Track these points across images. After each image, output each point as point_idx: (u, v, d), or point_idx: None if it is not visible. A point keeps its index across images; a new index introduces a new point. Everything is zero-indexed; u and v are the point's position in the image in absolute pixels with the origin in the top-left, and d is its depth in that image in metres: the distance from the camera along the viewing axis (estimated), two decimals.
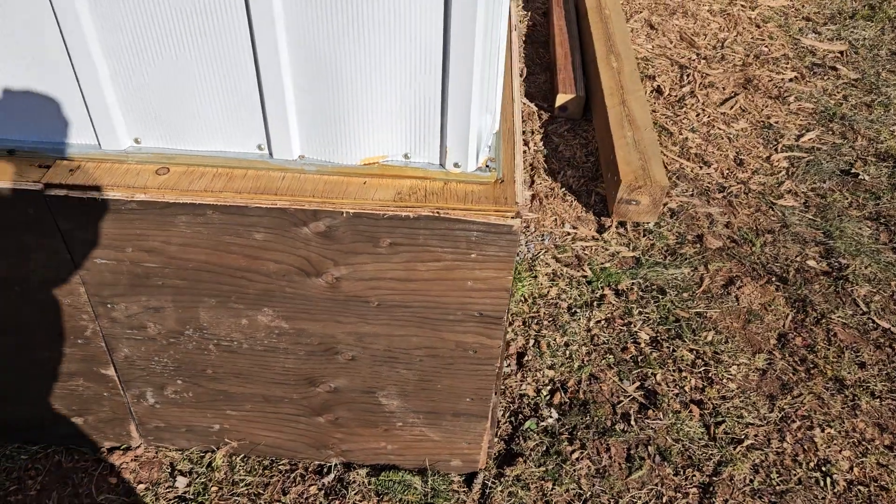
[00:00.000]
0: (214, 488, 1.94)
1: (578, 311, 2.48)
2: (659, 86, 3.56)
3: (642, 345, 2.39)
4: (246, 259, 1.52)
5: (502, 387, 2.25)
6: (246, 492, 1.93)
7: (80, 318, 1.66)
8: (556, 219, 2.85)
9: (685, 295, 2.56)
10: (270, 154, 1.47)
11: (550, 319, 2.46)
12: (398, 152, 1.46)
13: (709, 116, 3.39)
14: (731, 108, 3.45)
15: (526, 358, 2.33)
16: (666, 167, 3.07)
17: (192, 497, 1.92)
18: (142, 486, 1.94)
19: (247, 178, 1.46)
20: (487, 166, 1.47)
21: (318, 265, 1.51)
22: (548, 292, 2.55)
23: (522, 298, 2.51)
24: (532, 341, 2.38)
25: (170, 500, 1.92)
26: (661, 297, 2.54)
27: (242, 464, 1.99)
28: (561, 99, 3.24)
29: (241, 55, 1.33)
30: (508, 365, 2.32)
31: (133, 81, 1.39)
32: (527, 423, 2.15)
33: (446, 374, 1.72)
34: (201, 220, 1.45)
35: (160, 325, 1.67)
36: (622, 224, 2.82)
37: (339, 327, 1.63)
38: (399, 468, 1.99)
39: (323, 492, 1.95)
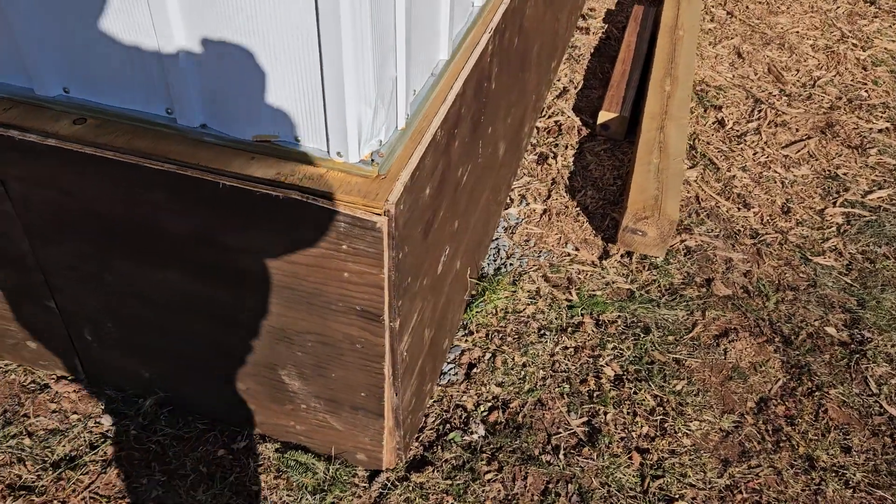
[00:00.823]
0: (133, 432, 2.04)
1: (548, 334, 2.39)
2: (723, 118, 3.33)
3: (604, 380, 2.26)
4: (146, 218, 1.58)
5: (441, 393, 2.20)
6: (160, 441, 2.02)
7: (20, 248, 1.80)
8: (560, 237, 2.75)
9: (670, 338, 2.39)
10: (176, 119, 1.52)
11: (516, 337, 2.38)
12: (290, 134, 1.47)
13: (767, 157, 3.14)
14: (797, 151, 3.17)
15: (475, 370, 2.27)
16: (698, 202, 2.88)
17: (111, 436, 2.03)
18: (74, 417, 2.08)
19: (149, 138, 1.52)
20: (372, 160, 1.45)
21: (209, 233, 1.55)
22: (524, 309, 2.47)
23: (493, 311, 2.44)
24: (489, 355, 2.32)
25: (94, 434, 2.04)
26: (643, 335, 2.39)
27: (167, 415, 2.07)
28: (603, 116, 3.11)
29: (142, 24, 1.38)
30: (456, 373, 2.27)
31: (62, 38, 1.48)
32: (451, 434, 2.10)
33: (338, 364, 1.72)
34: (105, 173, 1.53)
35: (85, 266, 1.77)
36: (629, 254, 2.67)
37: (234, 298, 1.67)
38: (308, 450, 2.01)
39: (229, 457, 2.00)
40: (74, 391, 2.13)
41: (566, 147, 3.13)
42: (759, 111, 3.39)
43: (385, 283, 1.49)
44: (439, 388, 2.22)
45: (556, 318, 2.44)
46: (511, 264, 2.62)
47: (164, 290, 1.73)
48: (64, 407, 2.10)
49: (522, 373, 2.28)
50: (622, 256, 2.68)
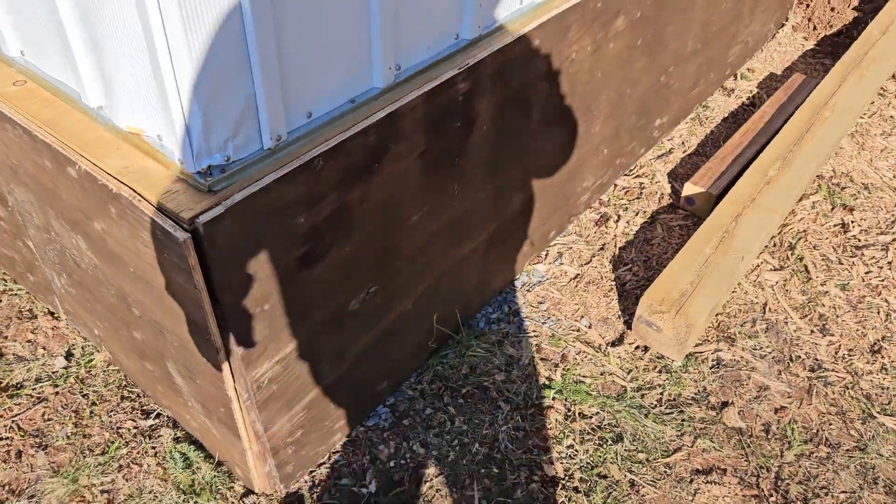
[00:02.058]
0: (72, 380, 2.17)
1: (505, 408, 2.15)
2: (850, 222, 2.76)
3: (537, 479, 1.98)
4: (52, 185, 1.66)
5: (362, 435, 2.07)
6: (89, 395, 2.13)
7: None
8: (579, 309, 2.46)
9: (640, 455, 2.04)
10: (82, 97, 1.58)
11: (469, 400, 2.17)
12: (154, 131, 1.45)
13: (883, 280, 2.55)
14: None
15: (406, 421, 2.10)
16: (764, 311, 2.42)
17: (55, 378, 2.18)
18: (41, 351, 2.26)
19: (57, 109, 1.59)
20: (210, 173, 1.38)
21: (84, 211, 1.59)
22: (494, 374, 2.24)
23: (458, 366, 2.25)
24: (430, 410, 2.14)
25: (45, 371, 2.20)
26: (611, 442, 2.06)
27: (109, 374, 2.18)
28: (689, 189, 2.73)
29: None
30: (387, 419, 2.12)
31: (13, 6, 1.61)
32: (343, 480, 1.97)
33: (199, 373, 1.68)
34: (19, 135, 1.63)
35: (36, 219, 1.91)
36: (645, 348, 2.32)
37: (120, 279, 1.70)
38: (204, 449, 2.00)
39: (134, 430, 2.05)
40: (53, 328, 2.32)
41: (637, 213, 2.79)
42: None
43: (203, 301, 1.42)
44: (364, 428, 2.10)
45: (524, 394, 2.19)
46: (508, 323, 2.40)
47: (85, 256, 1.82)
48: (38, 339, 2.29)
49: (456, 441, 2.07)
50: (636, 349, 2.33)
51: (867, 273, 2.58)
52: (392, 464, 2.02)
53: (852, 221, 2.78)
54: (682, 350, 2.22)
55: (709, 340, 2.35)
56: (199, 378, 1.70)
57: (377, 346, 1.99)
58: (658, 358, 2.29)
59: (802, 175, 2.64)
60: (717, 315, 2.41)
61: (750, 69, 3.57)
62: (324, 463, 2.02)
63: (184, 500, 1.89)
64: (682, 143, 3.12)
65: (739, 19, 3.21)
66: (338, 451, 2.05)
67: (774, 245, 2.67)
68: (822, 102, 2.96)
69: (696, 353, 2.31)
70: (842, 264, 2.61)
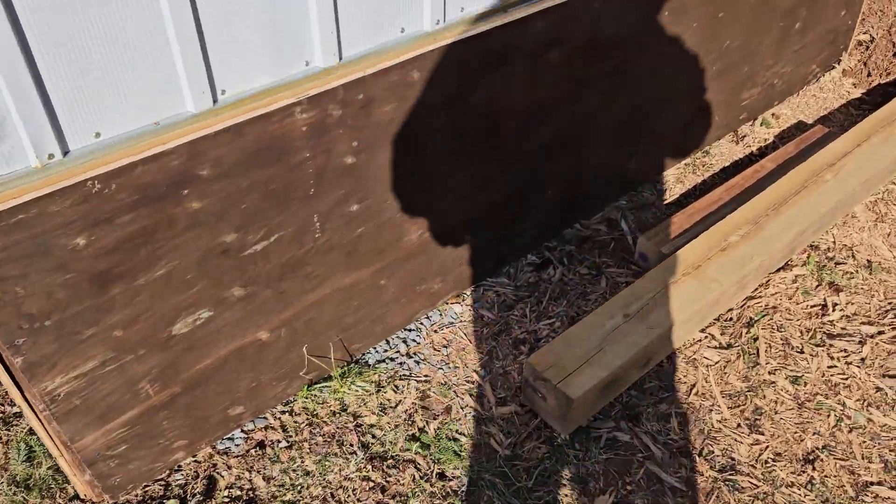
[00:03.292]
0: None
1: (360, 455, 2.03)
2: (833, 303, 2.40)
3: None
4: None
5: (207, 456, 2.02)
6: None
7: None
8: (483, 358, 2.28)
9: None
10: None
11: (329, 439, 2.06)
12: None
13: (846, 378, 2.19)
14: (890, 392, 2.16)
15: (256, 452, 2.03)
16: (689, 394, 2.15)
17: None
18: None
19: None
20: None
21: None
22: (364, 416, 2.12)
23: (328, 401, 2.15)
24: (284, 444, 2.05)
25: None
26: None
27: None
28: (642, 245, 2.47)
29: None
30: (238, 445, 2.06)
31: None
32: (170, 501, 1.92)
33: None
34: None
35: None
36: (533, 413, 2.12)
37: None
38: None
39: (0, 415, 2.11)
40: None
41: (583, 262, 2.56)
42: (891, 324, 2.36)
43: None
44: (213, 451, 2.04)
45: (388, 444, 2.06)
46: (401, 363, 2.27)
47: None
48: None
49: (299, 481, 1.98)
50: (527, 412, 2.13)
51: (830, 367, 2.23)
52: (226, 493, 1.95)
53: (836, 304, 2.41)
54: (566, 424, 2.00)
55: (610, 417, 2.11)
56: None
57: (223, 372, 1.93)
58: (545, 427, 2.09)
59: (771, 245, 2.31)
60: (629, 389, 2.17)
61: (775, 114, 3.19)
62: (162, 479, 1.98)
63: (13, 493, 1.92)
64: (665, 190, 2.84)
65: (754, 58, 2.87)
66: (181, 470, 2.01)
67: (729, 320, 2.36)
68: (828, 163, 2.59)
69: (591, 428, 2.09)
70: (802, 353, 2.27)
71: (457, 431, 2.09)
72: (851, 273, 2.51)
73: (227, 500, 1.94)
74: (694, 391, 2.17)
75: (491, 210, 2.31)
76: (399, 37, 1.83)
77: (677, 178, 2.89)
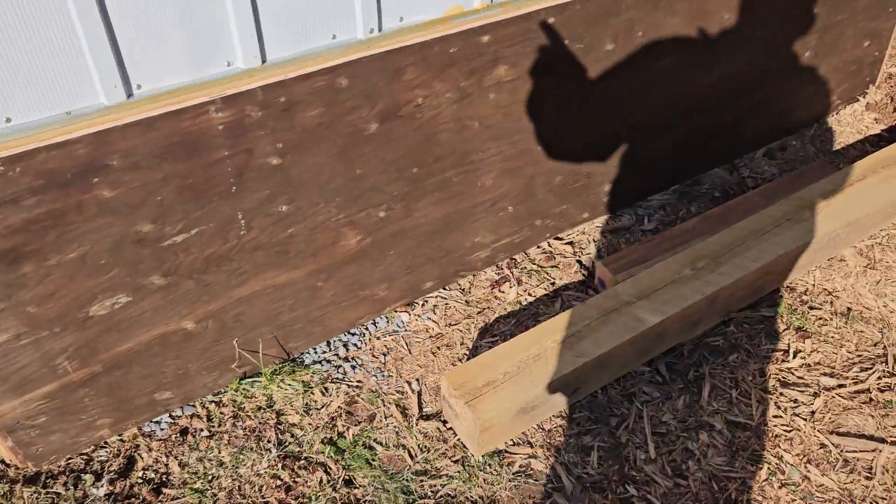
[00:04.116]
0: None
1: (275, 452, 2.05)
2: (796, 350, 2.27)
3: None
4: None
5: (131, 436, 2.09)
6: None
7: None
8: (419, 370, 2.27)
9: None
10: None
11: (248, 434, 2.10)
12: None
13: (789, 430, 2.07)
14: (866, 453, 2.02)
15: (177, 438, 2.09)
16: (618, 428, 2.07)
17: None
18: None
19: None
20: None
21: None
22: (288, 415, 2.15)
23: (256, 396, 2.18)
24: (206, 434, 2.10)
25: None
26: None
27: None
28: (600, 270, 2.39)
29: None
30: (164, 430, 2.12)
31: None
32: (86, 477, 2.00)
33: None
34: None
35: None
36: (449, 429, 2.09)
37: None
38: None
39: None
40: None
41: (542, 283, 2.50)
42: (871, 369, 2.21)
43: None
44: (138, 432, 2.11)
45: (305, 445, 2.08)
46: (337, 366, 2.28)
47: None
48: None
49: (212, 471, 2.02)
50: (448, 429, 2.11)
51: (774, 417, 2.11)
52: (141, 474, 2.02)
53: (799, 351, 2.28)
54: (477, 445, 1.97)
55: (530, 443, 2.06)
56: None
57: (147, 356, 1.99)
58: (462, 446, 2.06)
59: (721, 282, 2.20)
60: (555, 417, 2.11)
61: (783, 146, 3.03)
62: (86, 454, 2.07)
63: None
64: (645, 217, 2.74)
65: (754, 90, 2.74)
66: (107, 447, 2.09)
67: (680, 355, 2.27)
68: (813, 200, 2.44)
69: (507, 452, 2.04)
70: (748, 398, 2.15)
71: (375, 440, 2.09)
72: (825, 319, 2.36)
73: (140, 481, 2.00)
74: (624, 426, 2.10)
75: (437, 220, 2.30)
76: (330, 43, 1.85)
77: (662, 205, 2.79)
